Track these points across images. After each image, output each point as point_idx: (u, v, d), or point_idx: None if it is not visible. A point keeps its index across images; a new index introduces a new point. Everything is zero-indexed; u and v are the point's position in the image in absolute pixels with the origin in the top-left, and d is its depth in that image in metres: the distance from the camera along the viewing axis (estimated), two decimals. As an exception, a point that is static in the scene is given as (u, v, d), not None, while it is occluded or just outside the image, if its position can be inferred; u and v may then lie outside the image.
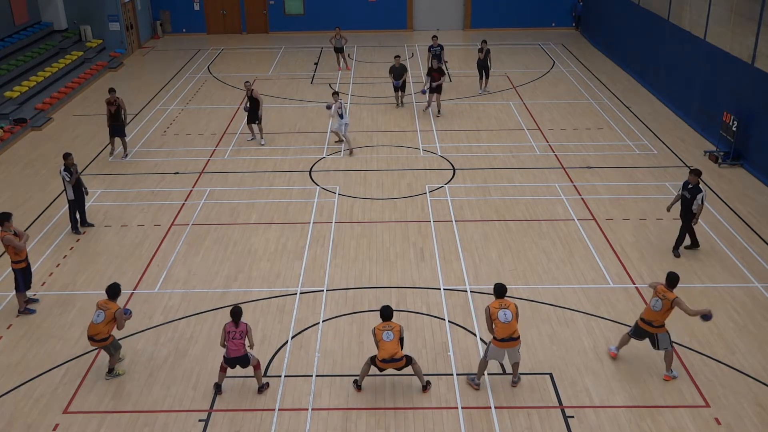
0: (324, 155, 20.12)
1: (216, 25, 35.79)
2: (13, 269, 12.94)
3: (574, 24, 35.76)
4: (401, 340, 10.60)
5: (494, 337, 10.58)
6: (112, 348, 11.25)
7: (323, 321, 12.70)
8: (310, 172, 19.01)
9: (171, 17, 35.80)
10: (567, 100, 24.79)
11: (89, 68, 28.54)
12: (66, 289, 13.88)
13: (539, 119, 22.76)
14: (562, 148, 20.32)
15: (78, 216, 15.90)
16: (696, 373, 11.27)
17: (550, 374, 11.28)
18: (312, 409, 10.64)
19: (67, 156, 15.60)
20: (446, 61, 29.75)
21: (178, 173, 19.01)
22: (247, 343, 10.71)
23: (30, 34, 28.21)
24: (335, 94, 20.25)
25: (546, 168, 19.01)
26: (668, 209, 14.93)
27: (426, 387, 10.92)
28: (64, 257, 15.01)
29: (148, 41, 34.67)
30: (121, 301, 13.19)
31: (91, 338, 11.07)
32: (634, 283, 13.66)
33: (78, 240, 15.66)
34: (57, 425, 10.43)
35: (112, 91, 19.91)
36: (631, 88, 26.08)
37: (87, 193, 16.09)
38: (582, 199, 17.20)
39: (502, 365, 11.29)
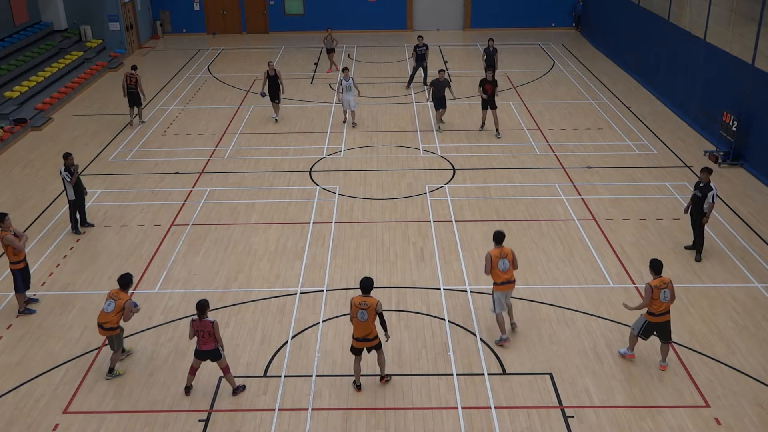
0: (324, 155, 20.12)
1: (216, 25, 35.79)
2: (11, 270, 12.94)
3: (574, 24, 35.76)
4: (380, 315, 10.52)
5: (495, 282, 11.73)
6: (116, 341, 11.27)
7: (323, 321, 12.70)
8: (310, 172, 19.01)
9: (171, 17, 35.81)
10: (567, 100, 24.79)
11: (89, 68, 28.54)
12: (66, 289, 13.88)
13: (539, 119, 22.77)
14: (562, 148, 20.32)
15: (78, 216, 15.90)
16: (696, 373, 11.27)
17: (550, 374, 11.28)
18: (312, 409, 10.64)
19: (67, 156, 15.60)
20: (446, 62, 29.79)
21: (178, 173, 19.01)
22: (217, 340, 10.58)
23: (30, 34, 28.20)
24: (345, 69, 21.97)
25: (546, 168, 19.01)
26: (685, 211, 14.68)
27: (384, 378, 11.05)
28: (64, 257, 15.01)
29: (148, 41, 34.68)
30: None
31: (100, 325, 11.19)
32: (634, 283, 13.66)
33: (78, 240, 15.67)
34: (57, 425, 10.43)
35: (134, 68, 22.46)
36: (631, 88, 26.08)
37: (86, 194, 16.11)
38: (582, 199, 17.20)
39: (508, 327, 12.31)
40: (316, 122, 22.86)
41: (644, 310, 11.21)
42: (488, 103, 20.92)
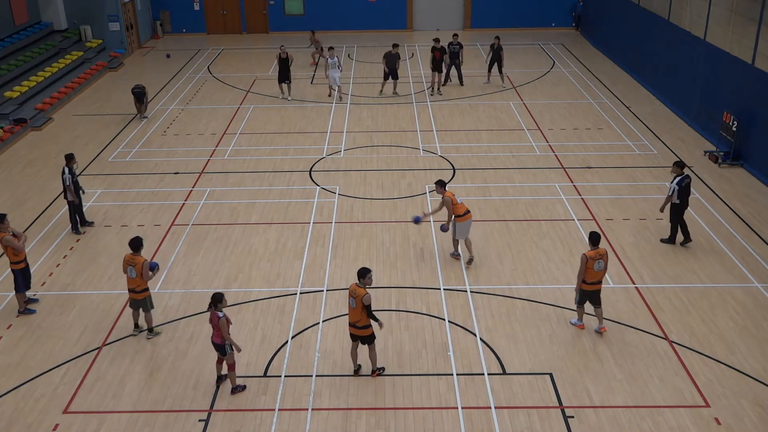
0: (324, 155, 20.12)
1: (216, 25, 35.80)
2: (12, 270, 12.94)
3: (574, 24, 35.77)
4: (368, 308, 10.64)
5: (457, 215, 13.85)
6: (149, 301, 12.07)
7: (323, 321, 12.70)
8: (310, 172, 19.01)
9: (171, 17, 35.81)
10: (567, 100, 24.80)
11: (89, 68, 28.53)
12: (66, 289, 13.88)
13: (539, 119, 22.77)
14: (562, 148, 20.32)
15: (77, 216, 15.88)
16: (696, 373, 11.28)
17: (550, 374, 11.28)
18: (312, 409, 10.65)
19: (71, 157, 15.61)
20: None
21: (178, 173, 19.01)
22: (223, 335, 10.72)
23: (30, 34, 28.20)
24: (331, 48, 24.43)
25: (546, 168, 19.01)
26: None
27: (375, 371, 11.22)
28: (64, 257, 15.01)
29: (148, 41, 34.67)
30: (120, 303, 13.25)
31: (131, 291, 11.95)
32: (634, 283, 13.66)
33: (78, 240, 15.66)
34: (57, 425, 10.43)
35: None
36: (631, 88, 26.09)
37: (84, 193, 16.10)
38: (582, 199, 17.20)
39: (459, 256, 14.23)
40: (316, 122, 22.86)
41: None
42: (436, 68, 24.94)
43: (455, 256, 14.52)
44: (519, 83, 26.70)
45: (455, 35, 26.02)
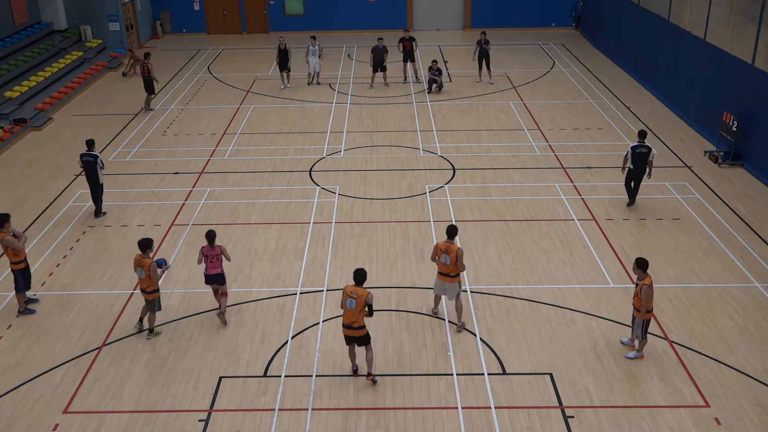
0: (324, 155, 20.12)
1: (216, 25, 35.80)
2: (12, 270, 12.94)
3: (574, 24, 35.77)
4: (369, 307, 10.67)
5: (438, 272, 12.21)
6: (157, 302, 12.20)
7: (323, 321, 12.70)
8: (310, 172, 19.01)
9: (171, 17, 35.81)
10: (567, 100, 24.79)
11: (89, 68, 28.52)
12: (66, 289, 13.88)
13: (539, 119, 22.77)
14: (562, 148, 20.32)
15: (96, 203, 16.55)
16: (696, 373, 11.28)
17: (550, 374, 11.28)
18: (312, 409, 10.65)
19: (93, 142, 16.56)
20: (446, 62, 29.78)
21: (178, 173, 19.01)
22: (224, 261, 12.32)
23: (30, 34, 28.19)
24: (313, 38, 26.24)
25: (546, 168, 19.01)
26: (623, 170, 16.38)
27: (370, 375, 11.09)
28: (64, 257, 15.01)
29: (148, 41, 34.67)
30: (120, 303, 13.25)
31: (143, 290, 12.16)
32: (634, 283, 13.64)
33: (78, 240, 15.66)
34: (57, 425, 10.43)
35: (147, 55, 24.30)
36: (631, 88, 26.08)
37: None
38: (582, 199, 17.20)
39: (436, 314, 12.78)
40: (316, 122, 22.87)
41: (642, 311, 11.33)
42: (407, 58, 26.47)
43: (433, 312, 12.81)
44: (519, 83, 26.70)
45: (434, 61, 25.53)
